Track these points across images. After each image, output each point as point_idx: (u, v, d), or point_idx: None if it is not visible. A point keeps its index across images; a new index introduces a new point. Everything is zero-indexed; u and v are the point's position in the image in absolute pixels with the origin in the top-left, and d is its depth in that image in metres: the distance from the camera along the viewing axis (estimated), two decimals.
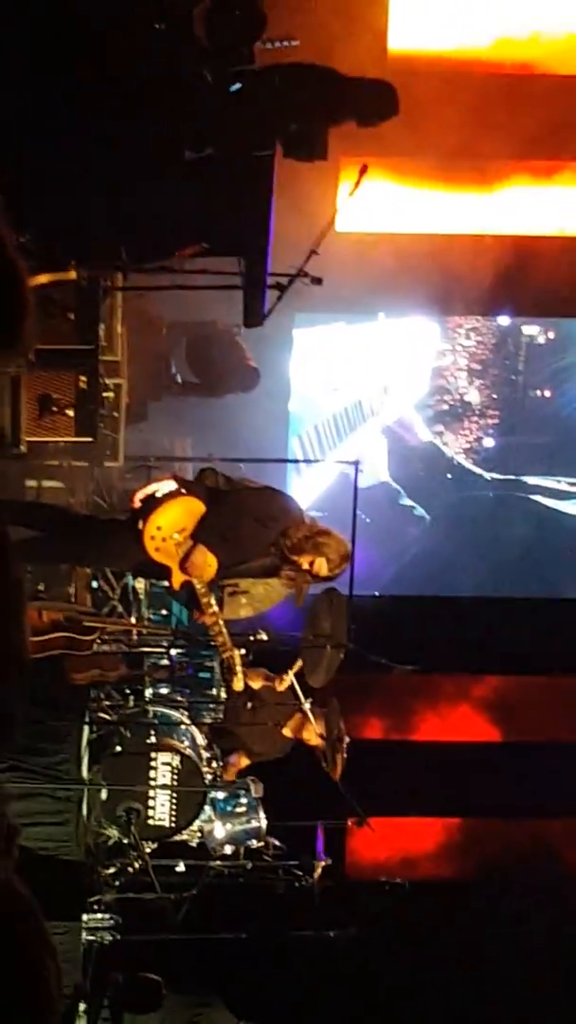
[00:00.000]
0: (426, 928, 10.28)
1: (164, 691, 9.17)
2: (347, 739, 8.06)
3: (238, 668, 7.04)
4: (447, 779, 11.77)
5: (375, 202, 10.33)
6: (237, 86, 6.67)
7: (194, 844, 8.73)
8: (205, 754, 8.61)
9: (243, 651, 7.44)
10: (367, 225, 11.41)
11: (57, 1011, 1.98)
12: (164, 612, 9.55)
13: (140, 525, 6.68)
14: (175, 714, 8.80)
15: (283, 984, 9.22)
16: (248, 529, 6.83)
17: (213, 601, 6.74)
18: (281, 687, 7.94)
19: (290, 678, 7.83)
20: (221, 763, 8.58)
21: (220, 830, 8.66)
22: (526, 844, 12.10)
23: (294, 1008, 9.01)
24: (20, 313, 2.23)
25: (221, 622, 6.79)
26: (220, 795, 8.66)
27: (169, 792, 8.30)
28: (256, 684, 7.87)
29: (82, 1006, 7.30)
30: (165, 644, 9.27)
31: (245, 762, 8.35)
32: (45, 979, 1.96)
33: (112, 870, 8.39)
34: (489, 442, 15.04)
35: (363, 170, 7.00)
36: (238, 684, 7.10)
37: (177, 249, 7.45)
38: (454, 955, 10.54)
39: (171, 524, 6.64)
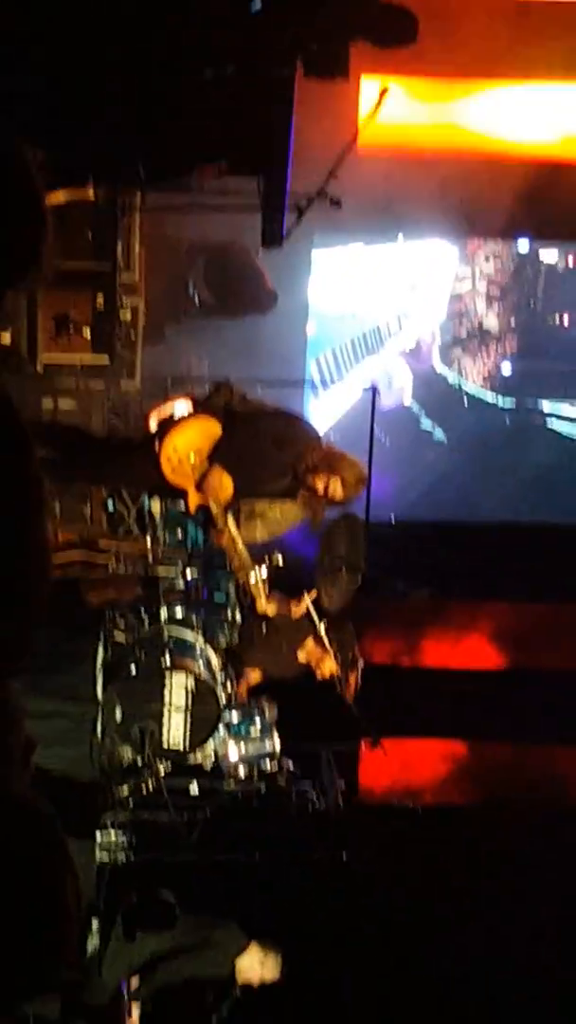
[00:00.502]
0: (435, 853, 10.32)
1: (179, 613, 9.16)
2: (361, 662, 8.07)
3: (259, 589, 7.05)
4: (460, 704, 11.77)
5: (396, 121, 10.15)
6: (258, 6, 6.58)
7: (208, 766, 8.76)
8: (220, 676, 8.62)
9: (261, 572, 7.43)
10: (388, 145, 11.22)
11: (75, 925, 1.99)
12: (180, 534, 9.52)
13: (156, 446, 6.66)
14: (190, 636, 8.80)
15: (294, 906, 9.28)
16: (264, 451, 6.82)
17: (231, 522, 6.73)
18: (297, 611, 7.93)
19: (306, 602, 7.81)
20: (236, 684, 8.60)
21: (234, 752, 8.69)
22: (536, 771, 12.12)
23: (305, 930, 9.07)
24: (38, 233, 2.19)
25: (239, 543, 6.79)
26: (234, 717, 8.69)
27: (183, 713, 8.32)
28: (271, 608, 7.86)
29: (95, 924, 7.36)
30: (180, 566, 9.26)
31: (256, 677, 8.37)
32: (64, 894, 1.96)
33: (126, 790, 8.44)
34: (507, 368, 14.98)
35: (383, 93, 6.94)
36: (260, 605, 7.11)
37: (196, 167, 7.39)
38: (465, 882, 10.59)
39: (187, 445, 6.62)
